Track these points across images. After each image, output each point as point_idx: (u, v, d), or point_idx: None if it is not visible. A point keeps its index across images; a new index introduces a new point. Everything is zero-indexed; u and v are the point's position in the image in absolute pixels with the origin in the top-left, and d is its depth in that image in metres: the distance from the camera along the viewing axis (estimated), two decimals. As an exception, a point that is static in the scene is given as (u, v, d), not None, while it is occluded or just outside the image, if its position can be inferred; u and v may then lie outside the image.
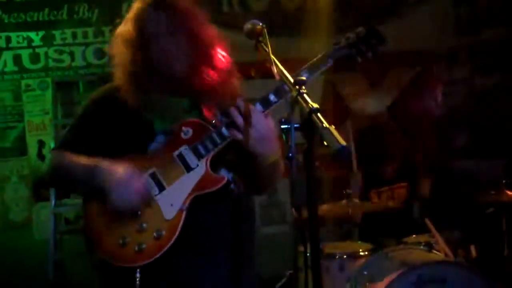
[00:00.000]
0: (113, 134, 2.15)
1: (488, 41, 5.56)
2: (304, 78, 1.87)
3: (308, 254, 1.93)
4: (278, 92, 2.05)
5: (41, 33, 4.96)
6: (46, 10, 4.97)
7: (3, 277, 4.53)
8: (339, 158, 1.60)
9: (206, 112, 2.19)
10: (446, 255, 3.32)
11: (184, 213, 2.04)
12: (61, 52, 4.99)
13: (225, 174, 2.13)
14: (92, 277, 2.19)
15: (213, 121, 2.14)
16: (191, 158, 2.08)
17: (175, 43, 2.12)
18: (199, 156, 2.08)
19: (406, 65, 5.49)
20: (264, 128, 2.05)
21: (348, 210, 3.58)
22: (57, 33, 4.99)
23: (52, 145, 4.72)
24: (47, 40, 4.97)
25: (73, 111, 4.95)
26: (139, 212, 2.05)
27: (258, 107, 2.08)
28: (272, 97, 2.07)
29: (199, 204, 2.07)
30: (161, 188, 2.08)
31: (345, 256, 3.37)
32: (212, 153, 2.08)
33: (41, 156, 4.91)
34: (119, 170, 2.04)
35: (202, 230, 2.09)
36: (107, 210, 2.06)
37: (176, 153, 2.09)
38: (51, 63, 4.98)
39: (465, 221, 3.87)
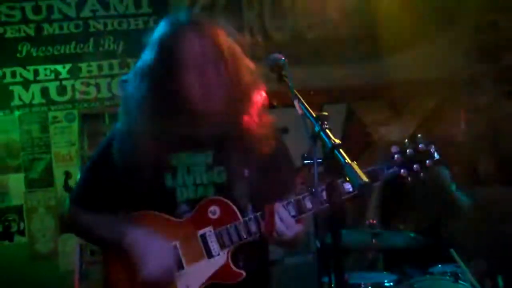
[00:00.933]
0: (132, 193, 2.13)
1: (510, 67, 5.54)
2: (326, 113, 1.84)
3: (332, 286, 1.93)
4: (314, 200, 2.02)
5: (68, 66, 5.06)
6: (73, 43, 5.07)
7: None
8: (361, 193, 1.62)
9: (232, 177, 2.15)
10: (472, 286, 3.28)
11: None
12: (87, 84, 5.08)
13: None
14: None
15: (241, 200, 2.11)
16: (213, 245, 2.08)
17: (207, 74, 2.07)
18: (222, 246, 2.07)
19: (429, 93, 5.48)
20: (291, 235, 2.03)
21: (371, 239, 3.57)
22: (83, 66, 5.08)
23: (78, 176, 4.77)
24: (74, 73, 5.06)
25: (99, 142, 5.00)
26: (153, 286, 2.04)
27: (291, 210, 2.05)
28: (308, 204, 2.05)
29: None
30: (180, 266, 2.08)
31: (369, 287, 3.35)
32: (235, 245, 2.08)
33: (67, 187, 4.97)
34: (149, 239, 2.04)
35: None
36: (124, 272, 2.08)
37: (200, 233, 2.08)
38: (78, 95, 5.06)
39: (491, 250, 3.81)
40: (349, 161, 1.65)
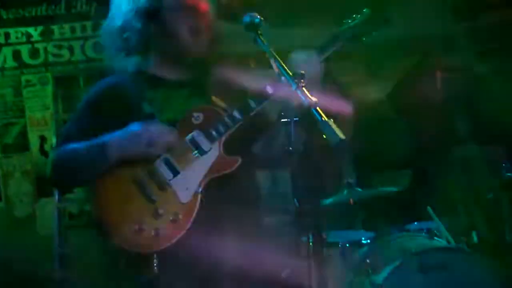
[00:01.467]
0: (113, 129, 2.14)
1: (486, 26, 5.55)
2: (303, 72, 1.87)
3: (310, 244, 1.95)
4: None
5: (39, 28, 4.96)
6: (44, 4, 4.96)
7: (8, 273, 4.55)
8: (338, 150, 1.64)
9: (214, 99, 2.21)
10: (447, 241, 3.35)
11: (200, 196, 2.08)
12: (60, 47, 4.99)
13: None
14: (97, 271, 2.20)
15: (224, 106, 2.17)
16: (203, 142, 2.11)
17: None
18: (212, 139, 2.11)
19: (405, 53, 5.48)
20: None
21: (349, 199, 3.60)
22: (55, 28, 4.99)
23: (54, 139, 4.71)
24: (46, 35, 4.97)
25: (74, 105, 4.95)
26: (153, 197, 2.07)
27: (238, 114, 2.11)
28: (252, 104, 2.09)
29: (213, 186, 2.10)
30: (175, 173, 2.10)
31: (347, 245, 3.40)
32: (225, 136, 2.12)
33: (43, 151, 4.93)
34: (130, 129, 2.07)
35: (217, 211, 2.12)
36: (119, 196, 2.08)
37: (188, 137, 2.11)
38: (51, 58, 4.98)
39: (466, 206, 3.89)
40: (326, 119, 1.66)
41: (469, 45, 5.56)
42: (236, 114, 2.10)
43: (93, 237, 2.20)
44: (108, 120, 2.16)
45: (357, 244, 3.43)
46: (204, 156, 2.10)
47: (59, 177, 2.24)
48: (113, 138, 2.09)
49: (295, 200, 2.71)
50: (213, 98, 2.20)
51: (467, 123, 4.90)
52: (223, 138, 2.12)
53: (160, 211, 2.06)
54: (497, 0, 5.55)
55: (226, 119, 2.10)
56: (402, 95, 5.34)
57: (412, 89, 5.28)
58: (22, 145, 4.94)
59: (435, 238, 3.36)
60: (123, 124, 2.14)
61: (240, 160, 2.12)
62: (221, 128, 2.10)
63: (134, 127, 2.08)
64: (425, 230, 3.45)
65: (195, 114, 2.14)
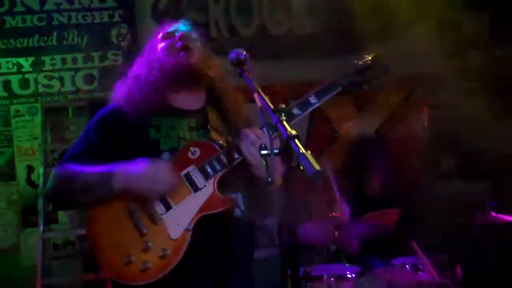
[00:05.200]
0: (119, 150, 2.18)
1: (473, 65, 5.65)
2: (284, 106, 1.90)
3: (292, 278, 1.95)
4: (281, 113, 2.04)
5: (30, 59, 4.99)
6: (36, 36, 5.01)
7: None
8: (314, 182, 1.66)
9: (213, 135, 2.23)
10: (432, 276, 3.35)
11: (190, 233, 2.08)
12: (50, 78, 5.02)
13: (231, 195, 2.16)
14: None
15: (221, 142, 2.19)
16: (198, 178, 2.11)
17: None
18: (207, 177, 2.11)
19: (393, 89, 5.55)
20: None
21: (334, 232, 3.60)
22: (46, 59, 5.02)
23: (41, 170, 4.70)
24: (37, 66, 5.00)
25: (62, 136, 4.97)
26: (144, 230, 2.08)
27: (266, 130, 2.09)
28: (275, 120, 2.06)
29: (204, 224, 2.10)
30: (168, 207, 2.10)
31: (332, 279, 3.38)
32: (219, 174, 2.12)
33: (30, 181, 4.91)
34: (137, 164, 2.07)
35: (205, 250, 2.12)
36: (112, 225, 2.09)
37: (183, 172, 2.12)
38: (41, 89, 5.01)
39: (451, 242, 3.89)
40: (304, 151, 1.69)
41: (456, 83, 5.64)
42: (233, 153, 2.09)
43: (77, 269, 2.20)
44: (115, 142, 2.19)
45: (342, 278, 3.41)
46: (198, 193, 2.10)
47: (59, 194, 2.25)
48: (120, 169, 2.09)
49: (279, 233, 2.72)
50: (213, 134, 2.22)
51: (452, 159, 4.95)
52: (218, 176, 2.12)
53: (150, 244, 2.06)
54: (484, 40, 5.67)
55: (222, 157, 2.10)
56: (389, 130, 5.39)
57: (400, 125, 5.33)
58: (8, 174, 4.92)
59: (420, 273, 3.36)
60: (129, 147, 2.17)
61: (232, 200, 2.12)
62: (217, 166, 2.10)
63: (141, 163, 2.07)
64: (409, 265, 3.45)
65: (192, 149, 2.14)
